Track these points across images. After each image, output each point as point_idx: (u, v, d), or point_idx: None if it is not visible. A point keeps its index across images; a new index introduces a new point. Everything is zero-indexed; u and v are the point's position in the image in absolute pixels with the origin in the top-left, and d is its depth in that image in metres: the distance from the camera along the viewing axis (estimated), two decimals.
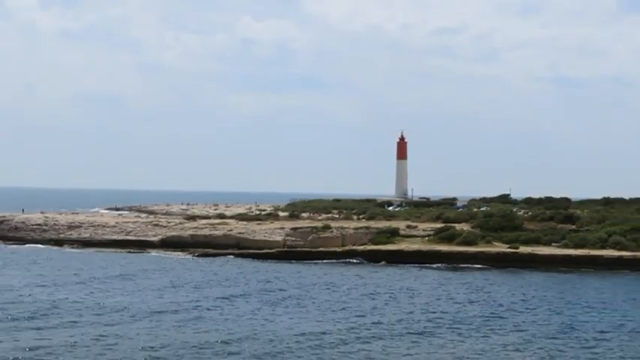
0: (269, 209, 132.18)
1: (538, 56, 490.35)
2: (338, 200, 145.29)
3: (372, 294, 55.88)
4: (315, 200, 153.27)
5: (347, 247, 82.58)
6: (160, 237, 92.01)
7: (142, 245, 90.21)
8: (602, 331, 42.89)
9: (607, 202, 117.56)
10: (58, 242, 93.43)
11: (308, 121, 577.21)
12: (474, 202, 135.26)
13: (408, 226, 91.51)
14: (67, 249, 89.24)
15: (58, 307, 47.01)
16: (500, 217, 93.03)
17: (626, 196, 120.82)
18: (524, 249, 78.28)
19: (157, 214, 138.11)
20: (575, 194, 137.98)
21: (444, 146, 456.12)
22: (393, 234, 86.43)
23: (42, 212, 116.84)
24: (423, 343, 39.01)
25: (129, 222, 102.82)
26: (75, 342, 36.59)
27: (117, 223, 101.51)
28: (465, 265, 75.39)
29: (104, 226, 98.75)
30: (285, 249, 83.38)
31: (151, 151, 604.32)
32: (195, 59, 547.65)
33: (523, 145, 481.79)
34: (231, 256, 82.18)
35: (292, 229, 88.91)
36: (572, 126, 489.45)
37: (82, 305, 47.88)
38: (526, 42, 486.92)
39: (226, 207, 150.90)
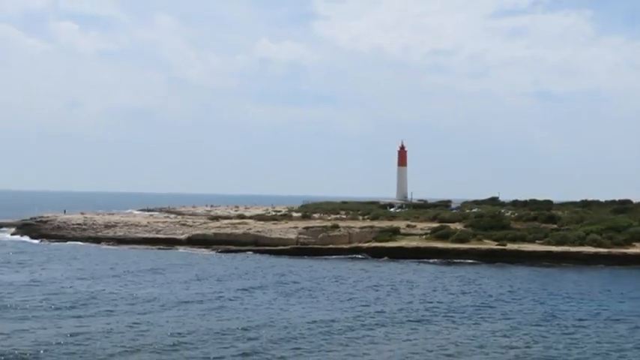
0: (284, 210, 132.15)
1: (524, 73, 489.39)
2: (345, 202, 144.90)
3: (375, 286, 55.89)
4: (325, 202, 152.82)
5: (353, 244, 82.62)
6: (186, 235, 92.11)
7: (170, 243, 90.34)
8: (580, 319, 42.87)
9: (585, 204, 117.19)
10: (96, 240, 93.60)
11: (318, 132, 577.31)
12: (466, 204, 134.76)
13: (408, 226, 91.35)
14: (103, 246, 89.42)
15: (96, 297, 47.19)
16: (489, 217, 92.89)
17: (602, 199, 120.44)
18: (511, 246, 78.20)
19: (183, 214, 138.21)
20: (557, 197, 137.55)
21: (440, 154, 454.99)
22: (394, 232, 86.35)
23: (81, 213, 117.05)
24: (421, 329, 39.06)
25: (159, 222, 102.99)
26: (111, 329, 36.76)
27: (148, 222, 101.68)
28: (459, 261, 75.26)
29: (137, 226, 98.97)
30: (298, 246, 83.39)
31: (178, 158, 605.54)
32: (218, 76, 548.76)
33: (510, 152, 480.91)
34: (250, 252, 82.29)
35: (304, 228, 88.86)
36: (554, 136, 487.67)
37: (117, 296, 48.05)
38: (513, 61, 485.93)
39: (246, 208, 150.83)
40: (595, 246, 76.73)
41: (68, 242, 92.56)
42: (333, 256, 78.98)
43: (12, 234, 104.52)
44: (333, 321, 40.48)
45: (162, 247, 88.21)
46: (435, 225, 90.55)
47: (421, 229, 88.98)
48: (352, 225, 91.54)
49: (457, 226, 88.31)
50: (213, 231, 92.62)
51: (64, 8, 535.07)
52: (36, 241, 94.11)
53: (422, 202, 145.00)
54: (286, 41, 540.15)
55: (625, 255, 74.44)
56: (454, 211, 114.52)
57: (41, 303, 44.27)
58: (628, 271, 68.90)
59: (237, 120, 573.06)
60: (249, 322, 39.39)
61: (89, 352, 31.77)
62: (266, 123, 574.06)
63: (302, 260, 75.54)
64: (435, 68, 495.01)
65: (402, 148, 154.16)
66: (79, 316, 40.21)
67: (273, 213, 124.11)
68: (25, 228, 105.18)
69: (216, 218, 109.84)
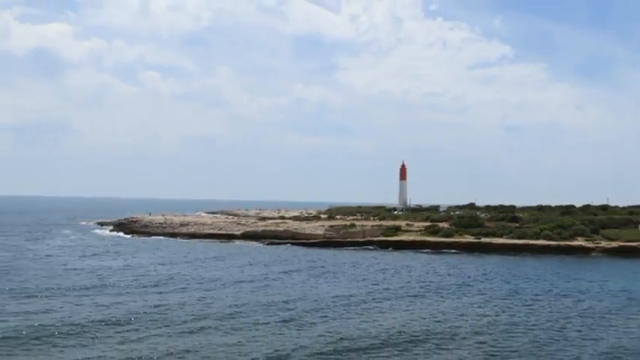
0: (314, 213, 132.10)
1: (494, 110, 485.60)
2: (360, 207, 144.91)
3: (382, 269, 55.71)
4: (345, 207, 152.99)
5: (366, 238, 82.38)
6: (241, 231, 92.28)
7: (229, 237, 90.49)
8: (536, 294, 42.48)
9: (540, 208, 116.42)
10: (173, 235, 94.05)
11: (340, 154, 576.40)
12: (451, 208, 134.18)
13: (407, 224, 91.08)
14: (179, 240, 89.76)
15: (173, 278, 47.45)
16: (468, 218, 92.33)
17: (553, 204, 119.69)
18: (484, 240, 77.57)
19: (239, 216, 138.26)
20: (519, 203, 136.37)
21: (431, 170, 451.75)
22: (397, 229, 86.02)
23: (162, 215, 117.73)
24: (417, 302, 38.87)
25: (220, 221, 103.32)
26: (184, 301, 36.94)
27: (212, 222, 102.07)
28: (445, 251, 74.73)
29: (204, 224, 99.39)
30: (325, 239, 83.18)
31: (235, 174, 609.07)
32: (264, 113, 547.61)
33: (485, 169, 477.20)
34: (289, 244, 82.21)
35: (330, 226, 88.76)
36: (517, 157, 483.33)
37: (189, 277, 48.27)
38: (486, 101, 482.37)
39: (286, 211, 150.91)
40: (547, 240, 76.06)
41: (152, 237, 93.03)
42: (351, 248, 78.76)
43: (110, 230, 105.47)
44: (351, 296, 40.43)
45: (222, 240, 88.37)
46: (428, 224, 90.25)
47: (417, 227, 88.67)
48: (365, 224, 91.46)
49: (444, 225, 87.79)
50: (261, 228, 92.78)
51: (149, 61, 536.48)
52: (128, 236, 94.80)
53: (418, 206, 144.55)
54: (316, 86, 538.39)
55: (570, 246, 73.76)
56: (442, 213, 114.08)
57: (132, 282, 44.64)
58: (572, 259, 68.16)
59: (279, 145, 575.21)
60: (288, 297, 39.44)
61: (168, 319, 31.95)
62: (301, 148, 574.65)
63: (328, 250, 75.42)
64: (428, 106, 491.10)
65: (403, 166, 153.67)
66: (161, 292, 40.44)
67: (306, 215, 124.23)
68: (120, 226, 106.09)
69: (264, 219, 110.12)
